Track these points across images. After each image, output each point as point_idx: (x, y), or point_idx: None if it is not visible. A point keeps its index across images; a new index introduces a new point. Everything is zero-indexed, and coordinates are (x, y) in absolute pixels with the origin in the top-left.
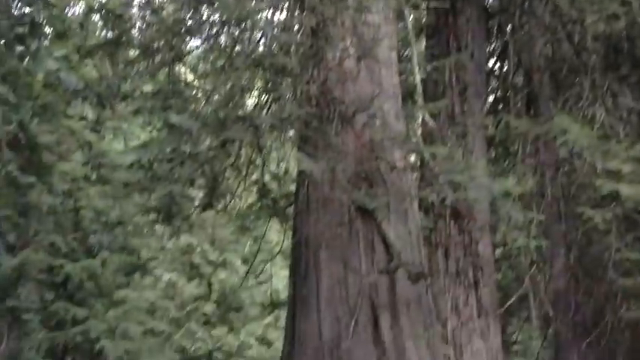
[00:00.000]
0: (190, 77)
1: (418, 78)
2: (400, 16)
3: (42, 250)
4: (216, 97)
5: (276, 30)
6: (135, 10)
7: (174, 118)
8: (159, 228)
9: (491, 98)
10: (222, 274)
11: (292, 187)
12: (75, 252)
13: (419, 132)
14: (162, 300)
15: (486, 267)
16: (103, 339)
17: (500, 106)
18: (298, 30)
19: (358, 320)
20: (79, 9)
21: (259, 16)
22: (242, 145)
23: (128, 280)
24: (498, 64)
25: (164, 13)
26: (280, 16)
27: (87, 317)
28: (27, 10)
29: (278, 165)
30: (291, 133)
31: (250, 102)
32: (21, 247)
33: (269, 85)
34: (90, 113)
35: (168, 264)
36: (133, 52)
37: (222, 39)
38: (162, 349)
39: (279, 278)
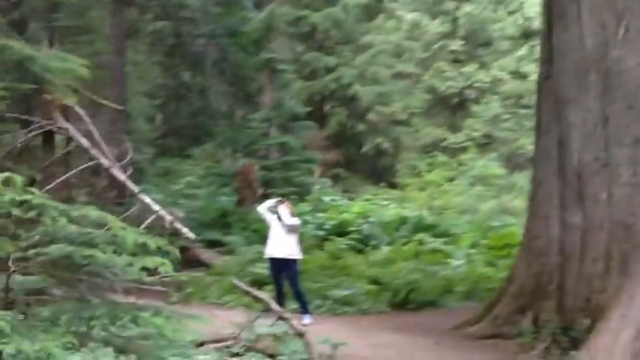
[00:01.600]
0: None
1: None
2: None
3: (287, 2)
4: None
5: None
6: None
7: None
8: None
9: None
10: (467, 8)
11: None
12: (316, 1)
13: None
14: (408, 41)
15: None
16: (355, 84)
17: None
18: None
19: (628, 26)
20: None
21: None
22: None
23: (372, 24)
24: None
25: None
26: None
27: (337, 65)
28: None
29: None
30: None
31: None
32: (267, 0)
33: None
34: None
35: (410, 3)
36: None
37: None
38: (412, 91)
39: (530, 5)
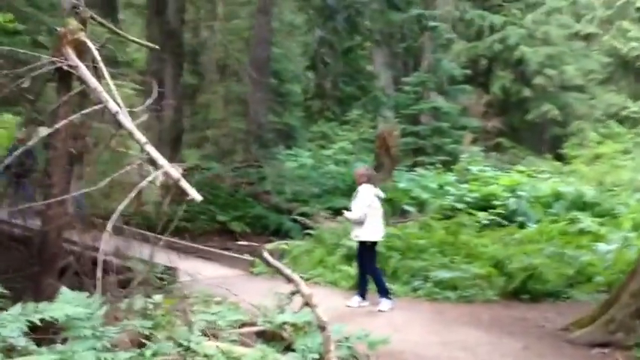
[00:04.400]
0: None
1: None
2: None
3: None
4: None
5: None
6: None
7: None
8: None
9: None
10: None
11: None
12: None
13: None
14: None
15: None
16: (523, 45)
17: None
18: None
19: None
20: None
21: None
22: None
23: None
24: None
25: None
26: None
27: (504, 23)
28: None
29: None
30: None
31: None
32: None
33: None
34: None
35: None
36: None
37: None
38: (589, 53)
39: None
